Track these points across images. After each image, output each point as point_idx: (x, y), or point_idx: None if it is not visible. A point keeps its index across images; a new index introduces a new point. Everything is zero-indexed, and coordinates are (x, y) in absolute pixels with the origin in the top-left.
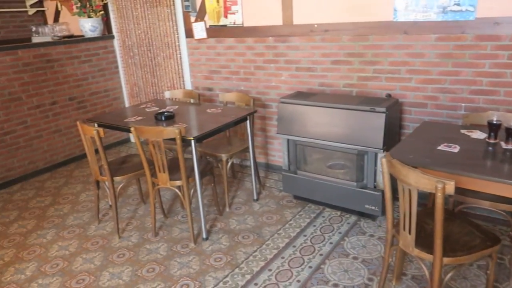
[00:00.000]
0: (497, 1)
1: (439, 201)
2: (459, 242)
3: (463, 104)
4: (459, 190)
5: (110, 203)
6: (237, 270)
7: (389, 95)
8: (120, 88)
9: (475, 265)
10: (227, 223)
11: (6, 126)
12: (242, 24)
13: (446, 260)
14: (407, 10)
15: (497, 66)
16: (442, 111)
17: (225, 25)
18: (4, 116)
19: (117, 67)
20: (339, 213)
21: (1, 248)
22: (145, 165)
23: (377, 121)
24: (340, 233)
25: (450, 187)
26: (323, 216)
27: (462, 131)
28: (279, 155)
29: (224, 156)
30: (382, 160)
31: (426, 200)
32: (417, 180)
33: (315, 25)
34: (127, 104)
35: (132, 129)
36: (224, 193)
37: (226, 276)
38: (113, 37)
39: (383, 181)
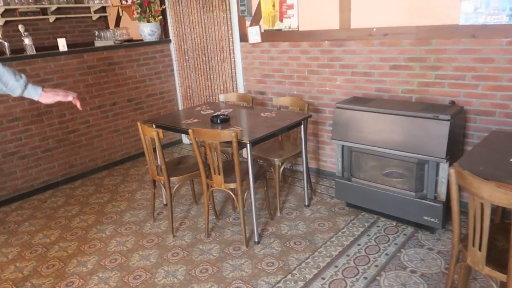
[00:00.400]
0: None
1: None
2: None
3: None
4: None
5: (165, 202)
6: (289, 276)
7: (452, 102)
8: (174, 90)
9: None
10: (278, 227)
11: (71, 125)
12: (298, 28)
13: None
14: (476, 12)
15: None
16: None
17: (280, 29)
18: (70, 115)
19: (172, 70)
20: (394, 223)
21: (65, 241)
22: (201, 166)
23: (441, 129)
24: (396, 244)
25: None
26: (378, 226)
27: None
28: (330, 161)
29: (277, 161)
30: (451, 171)
31: (492, 215)
32: (492, 194)
33: (374, 29)
34: (180, 106)
35: (190, 131)
36: (276, 197)
37: (279, 282)
38: (170, 41)
39: (451, 193)
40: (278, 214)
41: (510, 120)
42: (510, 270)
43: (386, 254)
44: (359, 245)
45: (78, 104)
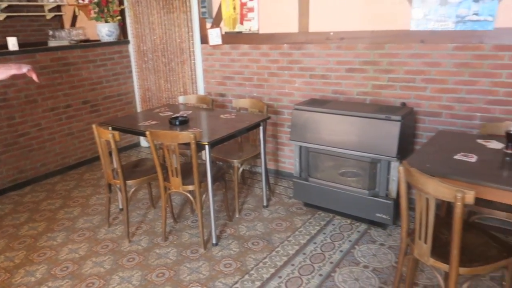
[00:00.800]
0: None
1: (458, 210)
2: (475, 252)
3: (478, 114)
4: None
5: (121, 207)
6: (247, 276)
7: (403, 104)
8: (133, 92)
9: (487, 276)
10: (237, 229)
11: (20, 128)
12: (258, 31)
13: (462, 270)
14: (425, 19)
15: None
16: (457, 120)
17: (240, 32)
18: (20, 118)
19: (131, 71)
20: (349, 221)
21: (12, 250)
22: (158, 169)
23: (392, 129)
24: (350, 241)
25: (470, 197)
26: (333, 224)
27: (479, 140)
28: (289, 162)
29: (236, 162)
30: (400, 168)
31: (437, 210)
32: (436, 189)
33: (331, 33)
34: (139, 109)
35: (147, 133)
36: (234, 199)
37: (236, 283)
38: (128, 42)
39: (400, 190)
40: (237, 215)
41: (455, 121)
42: (452, 261)
43: (341, 251)
44: (315, 243)
45: (34, 76)
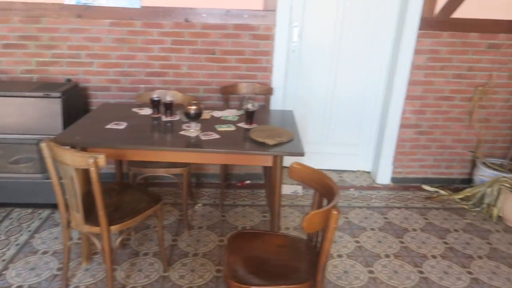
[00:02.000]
0: None
1: (93, 175)
2: (127, 209)
3: (142, 86)
4: (138, 163)
5: None
6: None
7: (69, 80)
8: None
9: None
10: None
11: None
12: None
13: (113, 228)
14: None
15: (164, 50)
16: (125, 93)
17: None
18: None
19: None
20: (30, 210)
21: None
22: None
23: (54, 107)
24: (29, 231)
25: (102, 161)
26: (11, 218)
27: (134, 109)
28: None
29: None
30: (42, 145)
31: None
32: (73, 159)
33: None
34: None
35: None
36: None
37: None
38: None
39: (48, 166)
40: None
41: (123, 93)
42: (101, 222)
43: (17, 245)
44: None
45: None
